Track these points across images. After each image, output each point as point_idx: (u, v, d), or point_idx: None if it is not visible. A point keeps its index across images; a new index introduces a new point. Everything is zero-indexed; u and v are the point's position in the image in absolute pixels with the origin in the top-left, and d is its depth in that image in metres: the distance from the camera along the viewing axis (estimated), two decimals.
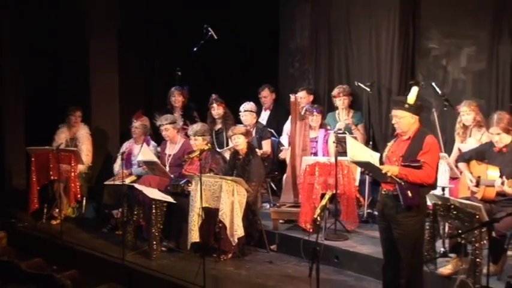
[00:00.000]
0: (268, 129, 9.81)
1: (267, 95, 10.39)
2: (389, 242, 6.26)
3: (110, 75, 11.04)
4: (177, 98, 10.26)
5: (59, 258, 8.55)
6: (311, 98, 9.96)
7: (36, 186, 9.58)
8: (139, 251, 8.37)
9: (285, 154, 9.40)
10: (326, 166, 8.29)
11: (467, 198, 6.70)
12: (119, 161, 9.20)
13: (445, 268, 6.79)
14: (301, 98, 9.48)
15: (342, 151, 8.10)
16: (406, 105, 6.14)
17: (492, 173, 6.80)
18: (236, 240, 7.93)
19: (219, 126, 9.86)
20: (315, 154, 8.94)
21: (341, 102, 9.48)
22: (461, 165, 7.22)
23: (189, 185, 8.29)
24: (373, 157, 6.36)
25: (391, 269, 6.35)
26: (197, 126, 8.71)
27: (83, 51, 10.87)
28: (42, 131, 10.36)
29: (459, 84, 9.11)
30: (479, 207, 6.12)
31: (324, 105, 10.03)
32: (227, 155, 8.94)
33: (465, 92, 8.97)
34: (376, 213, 7.18)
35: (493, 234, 6.09)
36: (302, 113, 8.86)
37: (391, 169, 6.04)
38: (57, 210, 9.73)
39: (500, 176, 6.68)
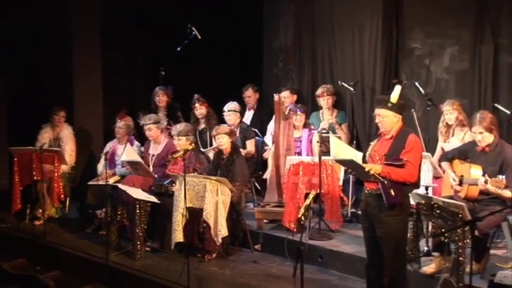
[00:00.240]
0: (252, 129, 9.82)
1: (250, 95, 10.40)
2: (373, 241, 6.28)
3: (93, 75, 11.00)
4: (161, 98, 10.25)
5: (43, 259, 8.49)
6: (295, 97, 9.98)
7: (19, 186, 9.54)
8: (123, 251, 8.35)
9: (268, 154, 9.41)
10: (310, 166, 8.30)
11: (450, 197, 6.73)
12: (102, 161, 9.19)
13: (429, 267, 6.80)
14: (285, 97, 9.50)
15: (325, 151, 8.13)
16: (389, 104, 6.16)
17: (475, 172, 6.83)
18: (220, 240, 7.92)
19: (202, 126, 9.86)
20: (299, 154, 8.94)
21: (325, 101, 9.50)
22: (445, 164, 7.24)
23: (173, 185, 8.28)
24: (356, 156, 6.37)
25: (375, 268, 6.36)
26: (180, 126, 8.70)
27: (66, 51, 10.84)
28: (25, 131, 10.31)
29: (442, 84, 9.16)
30: (462, 206, 6.15)
31: (308, 104, 10.06)
32: (211, 155, 8.94)
33: (448, 92, 9.01)
34: (359, 212, 7.20)
35: (476, 233, 6.12)
36: (286, 113, 8.87)
37: (374, 167, 6.05)
38: (40, 210, 9.68)
39: (483, 175, 6.70)
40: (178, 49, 10.70)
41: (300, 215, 6.52)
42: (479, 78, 8.66)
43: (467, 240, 6.04)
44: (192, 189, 7.92)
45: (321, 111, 9.63)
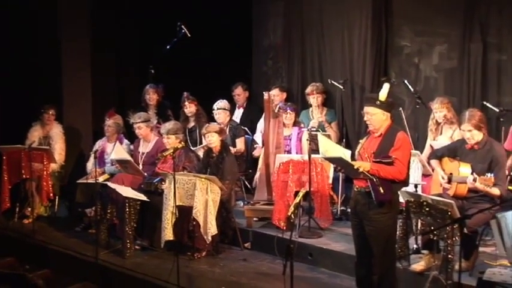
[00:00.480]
0: (242, 127, 9.82)
1: (240, 93, 10.40)
2: (362, 238, 6.29)
3: (83, 73, 10.98)
4: (151, 96, 10.24)
5: (32, 258, 8.50)
6: (284, 95, 9.99)
7: (7, 185, 9.51)
8: (112, 250, 8.34)
9: (258, 152, 9.43)
10: (300, 164, 8.31)
11: (439, 195, 6.74)
12: (91, 160, 9.17)
13: (418, 264, 6.82)
14: (275, 95, 9.50)
15: (315, 149, 8.11)
16: (378, 102, 6.18)
17: (464, 169, 6.84)
18: (210, 238, 7.92)
19: (192, 124, 9.85)
20: (289, 152, 8.95)
21: (314, 100, 9.52)
22: (434, 162, 7.25)
23: (163, 183, 8.26)
24: (345, 154, 6.38)
25: (364, 265, 6.38)
26: (169, 125, 8.69)
27: (55, 49, 10.81)
28: (14, 129, 10.26)
29: (431, 82, 9.19)
30: (451, 203, 6.16)
31: (298, 103, 10.06)
32: (201, 153, 8.94)
33: (437, 90, 9.04)
34: (349, 210, 7.21)
35: (465, 230, 6.13)
36: (275, 111, 8.87)
37: (363, 165, 6.07)
38: (29, 209, 9.66)
39: (472, 173, 6.72)
40: (168, 47, 10.68)
41: (289, 213, 6.51)
42: (468, 77, 8.68)
43: (456, 238, 6.06)
44: (182, 187, 7.92)
45: (310, 109, 9.65)
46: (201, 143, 9.44)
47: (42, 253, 8.72)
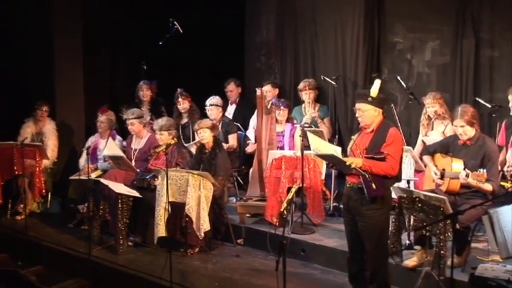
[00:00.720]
0: (235, 123, 9.82)
1: (232, 89, 10.40)
2: (354, 234, 6.30)
3: (75, 69, 10.95)
4: (145, 93, 10.23)
5: (24, 254, 8.49)
6: (276, 91, 9.98)
7: (0, 181, 9.49)
8: (105, 246, 8.33)
9: (251, 148, 9.43)
10: (292, 160, 8.32)
11: (432, 191, 6.75)
12: (84, 156, 9.17)
13: (410, 260, 6.83)
14: (267, 91, 9.50)
15: (308, 145, 8.12)
16: (369, 99, 6.19)
17: (457, 165, 6.85)
18: (203, 234, 7.92)
19: (185, 120, 9.85)
20: (282, 148, 8.96)
21: (307, 96, 9.52)
22: (426, 158, 7.26)
23: (155, 179, 8.26)
24: (336, 151, 6.38)
25: (357, 261, 6.39)
26: (162, 121, 8.68)
27: (48, 45, 10.78)
28: (7, 126, 10.24)
29: (424, 78, 9.20)
30: (443, 199, 6.18)
31: (290, 99, 10.08)
32: (193, 149, 8.93)
33: (430, 86, 9.05)
34: (342, 206, 7.22)
35: (457, 226, 6.14)
36: (268, 107, 8.87)
37: (355, 161, 6.08)
38: (21, 205, 9.66)
39: (464, 169, 6.73)
40: (160, 43, 10.67)
41: (282, 209, 6.50)
42: (460, 72, 8.70)
43: (449, 234, 6.08)
44: (175, 183, 7.92)
45: (303, 105, 9.65)
46: (194, 139, 9.44)
47: (34, 249, 8.71)
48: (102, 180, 8.38)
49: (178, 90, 9.80)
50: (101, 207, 8.38)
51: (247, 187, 9.13)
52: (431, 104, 8.08)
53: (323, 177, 8.43)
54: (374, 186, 5.99)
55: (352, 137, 6.51)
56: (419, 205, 6.37)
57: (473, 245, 7.06)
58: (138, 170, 8.76)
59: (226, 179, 8.72)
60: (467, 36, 8.62)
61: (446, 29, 8.88)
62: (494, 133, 7.86)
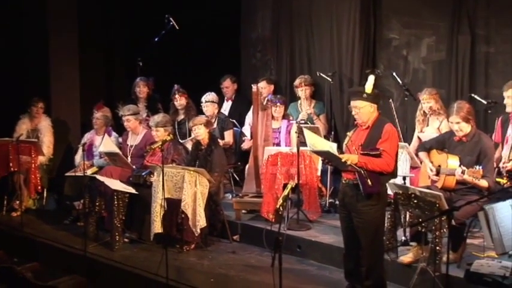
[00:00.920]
0: (230, 119, 9.81)
1: (228, 86, 10.39)
2: (350, 230, 6.31)
3: (71, 66, 10.95)
4: (142, 89, 10.21)
5: (20, 251, 8.49)
6: (272, 88, 9.98)
7: None
8: (101, 243, 8.33)
9: (247, 145, 9.43)
10: (288, 156, 8.31)
11: (427, 187, 6.76)
12: (80, 152, 9.14)
13: (406, 256, 6.84)
14: (262, 88, 9.50)
15: (304, 141, 8.12)
16: (364, 95, 6.18)
17: (452, 162, 6.86)
18: (199, 231, 7.92)
19: (181, 117, 9.84)
20: (278, 145, 8.97)
21: (303, 92, 9.51)
22: (422, 154, 7.27)
23: (151, 176, 8.25)
24: (332, 147, 6.38)
25: (352, 257, 6.40)
26: (158, 117, 8.67)
27: (43, 42, 10.76)
28: (2, 122, 10.21)
29: (419, 74, 9.20)
30: (439, 195, 6.19)
31: (286, 95, 10.06)
32: (189, 146, 8.93)
33: (425, 82, 9.05)
34: (337, 202, 7.22)
35: (453, 222, 6.16)
36: (264, 103, 8.87)
37: (351, 158, 6.08)
38: (17, 202, 9.64)
39: (460, 165, 6.74)
40: (156, 39, 10.65)
41: (278, 206, 6.52)
42: (456, 69, 8.70)
43: (444, 230, 6.10)
44: (171, 180, 7.92)
45: (299, 101, 9.64)
46: (190, 135, 9.42)
47: (30, 246, 8.71)
48: (98, 177, 8.38)
49: (176, 86, 9.80)
50: (97, 203, 8.39)
51: (243, 183, 9.12)
52: (427, 100, 8.10)
53: (319, 173, 8.43)
54: (370, 182, 5.99)
55: (348, 133, 6.50)
56: (415, 201, 6.38)
57: (468, 241, 7.07)
58: (134, 167, 8.75)
59: (222, 176, 8.72)
60: (463, 33, 8.61)
61: (442, 25, 8.88)
62: (489, 129, 7.88)
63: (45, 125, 10.10)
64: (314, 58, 10.15)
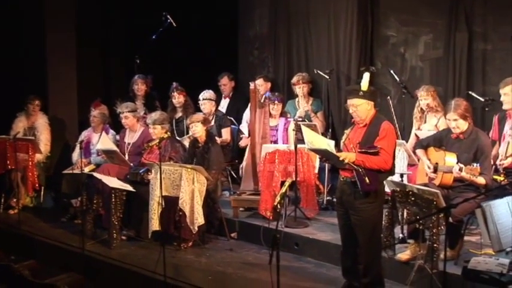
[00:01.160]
0: (228, 117, 9.81)
1: (226, 83, 10.39)
2: (348, 228, 6.31)
3: (68, 63, 10.95)
4: (140, 87, 10.20)
5: (17, 248, 8.48)
6: (269, 85, 9.98)
7: None
8: (99, 240, 8.33)
9: (245, 142, 9.43)
10: (286, 154, 8.32)
11: (425, 185, 6.76)
12: (77, 150, 9.15)
13: (404, 254, 6.84)
14: (259, 85, 9.50)
15: (301, 139, 8.12)
16: (361, 93, 6.16)
17: (450, 159, 6.86)
18: (196, 228, 7.93)
19: (179, 114, 9.84)
20: (275, 142, 8.97)
21: (300, 89, 9.51)
22: (419, 151, 7.26)
23: (149, 173, 8.25)
24: (329, 145, 6.38)
25: (350, 255, 6.40)
26: (155, 115, 8.66)
27: (40, 39, 10.75)
28: None
29: (417, 72, 9.20)
30: (436, 193, 6.19)
31: (284, 93, 10.07)
32: (187, 143, 8.92)
33: (423, 79, 9.05)
34: (335, 200, 7.22)
35: (450, 219, 6.16)
36: (261, 101, 8.87)
37: (348, 156, 6.06)
38: (14, 199, 9.63)
39: (458, 162, 6.74)
40: (153, 37, 10.64)
41: (275, 203, 6.50)
42: (453, 66, 8.70)
43: (442, 227, 6.11)
44: (168, 177, 7.91)
45: (296, 99, 9.64)
46: (188, 133, 9.41)
47: (28, 244, 8.70)
48: (96, 175, 8.37)
49: (174, 84, 9.79)
50: (94, 201, 8.38)
51: (241, 181, 9.12)
52: (424, 97, 8.11)
53: (316, 171, 8.44)
54: (367, 180, 5.99)
55: (346, 131, 6.50)
56: (413, 199, 6.39)
57: (466, 238, 7.08)
58: (131, 164, 8.75)
59: (220, 173, 8.72)
60: (460, 30, 8.62)
61: (439, 22, 8.88)
62: (487, 127, 7.88)
63: (42, 123, 10.10)
64: (312, 56, 10.15)
